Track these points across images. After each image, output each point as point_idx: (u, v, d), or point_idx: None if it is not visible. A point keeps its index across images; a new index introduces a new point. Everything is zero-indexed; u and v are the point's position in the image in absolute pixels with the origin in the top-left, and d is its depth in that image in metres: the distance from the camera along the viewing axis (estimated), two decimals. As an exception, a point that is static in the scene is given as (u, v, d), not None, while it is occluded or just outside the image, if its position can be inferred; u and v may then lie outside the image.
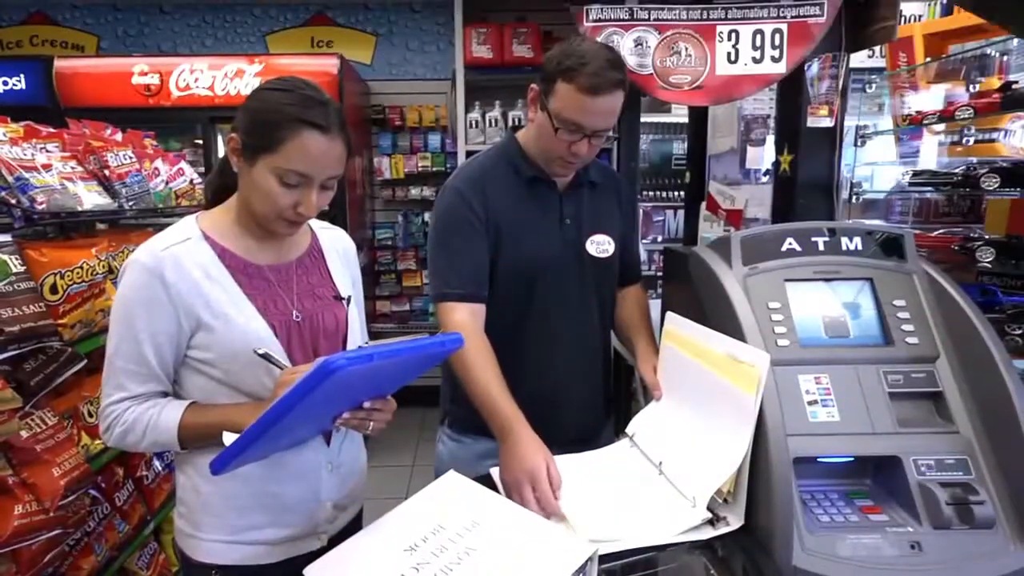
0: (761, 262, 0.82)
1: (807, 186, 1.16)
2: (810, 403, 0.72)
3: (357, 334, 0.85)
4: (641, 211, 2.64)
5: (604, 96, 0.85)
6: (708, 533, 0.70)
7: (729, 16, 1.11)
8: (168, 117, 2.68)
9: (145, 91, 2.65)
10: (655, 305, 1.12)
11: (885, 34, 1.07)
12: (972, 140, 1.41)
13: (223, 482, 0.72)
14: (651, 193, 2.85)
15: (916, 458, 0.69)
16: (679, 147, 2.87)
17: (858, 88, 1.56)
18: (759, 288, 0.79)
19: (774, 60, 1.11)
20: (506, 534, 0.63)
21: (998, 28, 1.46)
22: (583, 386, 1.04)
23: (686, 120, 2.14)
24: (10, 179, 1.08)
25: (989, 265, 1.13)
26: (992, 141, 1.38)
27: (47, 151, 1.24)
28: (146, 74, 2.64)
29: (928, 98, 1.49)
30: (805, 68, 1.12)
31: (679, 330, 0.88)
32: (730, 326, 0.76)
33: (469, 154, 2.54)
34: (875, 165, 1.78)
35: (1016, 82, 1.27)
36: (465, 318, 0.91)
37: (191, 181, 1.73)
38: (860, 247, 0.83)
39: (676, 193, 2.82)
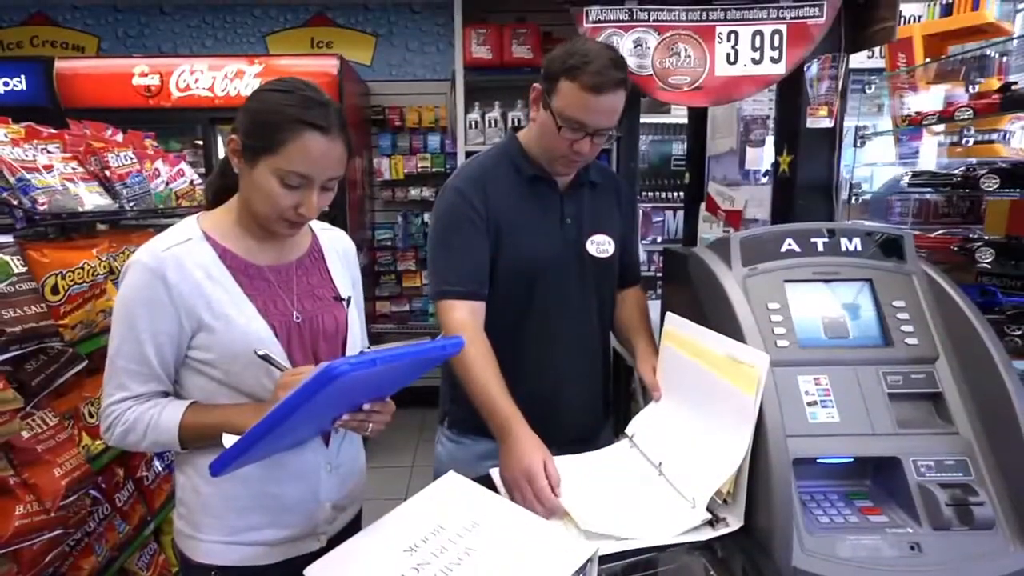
0: (760, 263, 0.82)
1: (806, 187, 1.16)
2: (809, 404, 0.73)
3: (357, 335, 0.85)
4: (641, 212, 2.64)
5: (607, 95, 0.86)
6: (708, 534, 0.71)
7: (728, 17, 1.11)
8: (168, 118, 2.68)
9: (145, 92, 2.65)
10: (655, 306, 1.12)
11: (884, 35, 1.07)
12: (971, 141, 1.41)
13: (223, 483, 0.73)
14: (650, 194, 2.85)
15: (916, 459, 0.69)
16: (678, 148, 2.87)
17: (857, 89, 1.57)
18: (758, 289, 0.79)
19: (773, 61, 1.11)
20: (506, 534, 0.63)
21: (997, 29, 1.46)
22: (582, 386, 1.04)
23: (685, 121, 2.14)
24: (12, 180, 1.08)
25: (988, 266, 1.13)
26: (991, 142, 1.39)
27: (48, 152, 1.25)
28: (146, 75, 2.65)
29: (927, 99, 1.49)
30: (804, 69, 1.12)
31: (679, 331, 0.88)
32: (729, 327, 0.76)
33: (469, 155, 2.54)
34: (874, 166, 1.78)
35: (1015, 83, 1.27)
36: (465, 316, 0.92)
37: (191, 182, 1.73)
38: (859, 248, 0.83)
39: (675, 194, 2.82)
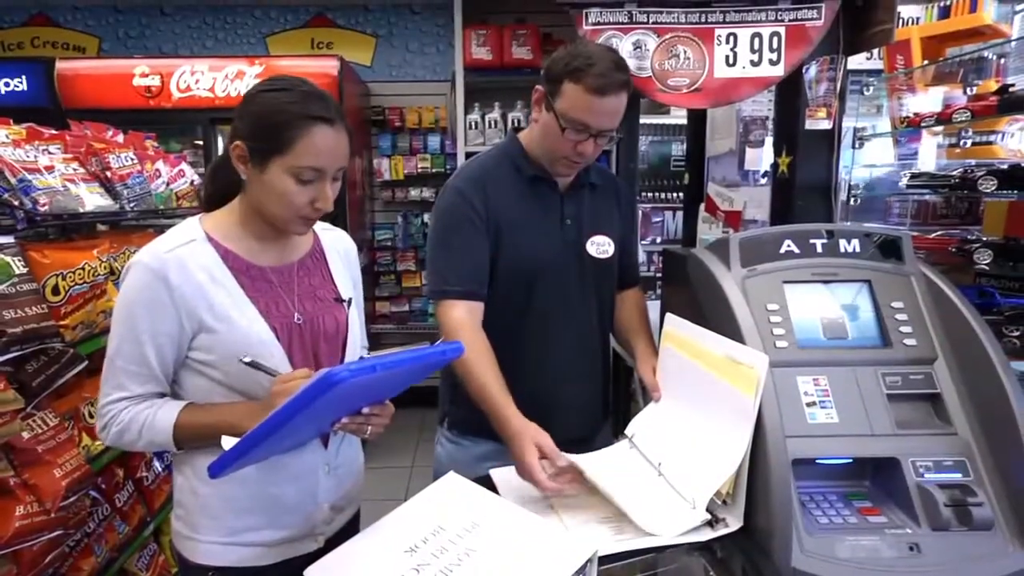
0: (760, 264, 0.82)
1: (805, 188, 1.17)
2: (809, 405, 0.73)
3: (357, 336, 0.85)
4: (640, 212, 2.64)
5: (611, 96, 0.86)
6: (707, 535, 0.71)
7: (727, 19, 1.11)
8: (169, 119, 2.68)
9: (146, 93, 2.66)
10: (654, 306, 1.12)
11: (882, 37, 1.08)
12: (970, 142, 1.42)
13: (221, 484, 0.73)
14: (650, 194, 2.86)
15: (914, 460, 0.69)
16: (678, 148, 2.88)
17: (856, 90, 1.57)
18: (757, 290, 0.80)
19: (772, 63, 1.12)
20: (506, 535, 0.63)
21: (995, 31, 1.46)
22: (582, 387, 1.04)
23: (685, 122, 2.14)
24: (13, 181, 1.08)
25: (987, 267, 1.13)
26: (990, 143, 1.39)
27: (49, 153, 1.25)
28: (147, 76, 2.65)
29: (926, 100, 1.50)
30: (803, 71, 1.13)
31: (678, 331, 0.88)
32: (729, 328, 0.76)
33: (469, 155, 2.54)
34: (873, 167, 1.79)
35: (1013, 85, 1.27)
36: (464, 316, 0.92)
37: (192, 182, 1.73)
38: (858, 249, 0.83)
39: (675, 194, 2.83)
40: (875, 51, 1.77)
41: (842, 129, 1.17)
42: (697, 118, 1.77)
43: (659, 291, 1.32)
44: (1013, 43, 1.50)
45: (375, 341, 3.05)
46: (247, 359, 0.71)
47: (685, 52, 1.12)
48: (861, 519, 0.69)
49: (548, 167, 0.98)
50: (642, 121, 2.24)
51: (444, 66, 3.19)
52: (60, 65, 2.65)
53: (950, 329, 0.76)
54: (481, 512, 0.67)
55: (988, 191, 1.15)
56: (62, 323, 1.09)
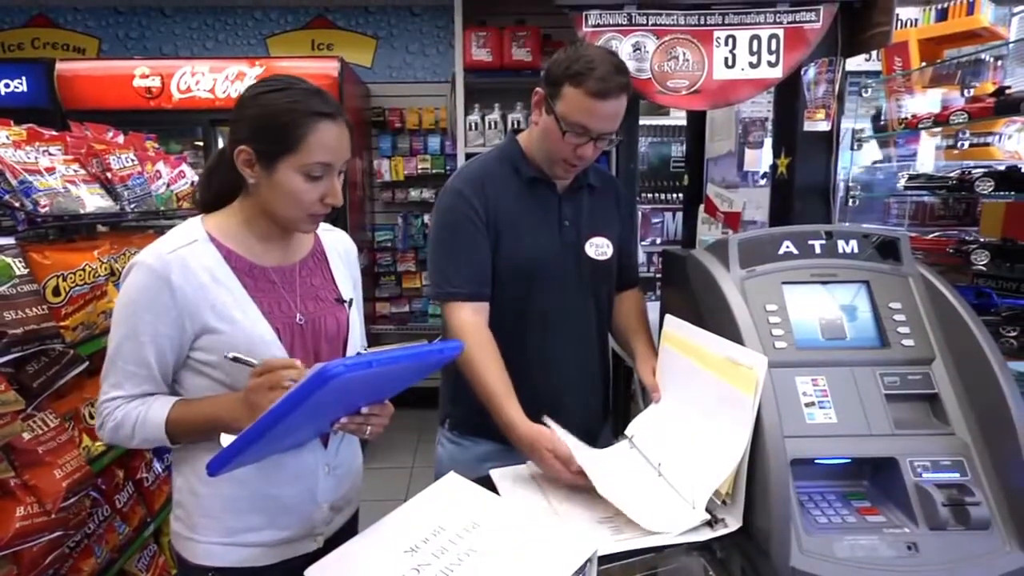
0: (758, 265, 0.82)
1: (804, 189, 1.17)
2: (807, 405, 0.73)
3: (357, 337, 0.86)
4: (640, 213, 2.65)
5: (611, 100, 0.87)
6: (707, 534, 0.71)
7: (726, 21, 1.12)
8: (169, 119, 2.69)
9: (146, 94, 2.66)
10: (654, 307, 1.13)
11: (880, 39, 1.08)
12: (967, 144, 1.43)
13: (220, 485, 0.73)
14: (649, 195, 2.86)
15: (912, 459, 0.70)
16: (677, 150, 2.88)
17: (854, 92, 1.58)
18: (756, 291, 0.80)
19: (771, 65, 1.12)
20: (506, 535, 0.64)
21: (992, 34, 1.47)
22: (582, 388, 1.05)
23: (684, 123, 2.15)
24: (14, 182, 1.08)
25: (984, 268, 1.14)
26: (987, 145, 1.40)
27: (50, 154, 1.25)
28: (147, 77, 2.65)
29: (924, 102, 1.51)
30: (802, 72, 1.13)
31: (677, 333, 0.88)
32: (728, 328, 0.77)
33: (469, 156, 2.55)
34: (876, 168, 1.79)
35: (1010, 87, 1.28)
36: (470, 317, 0.93)
37: (192, 183, 1.73)
38: (856, 250, 0.84)
39: (674, 195, 2.83)
40: (873, 53, 1.78)
41: (840, 130, 1.18)
42: (696, 119, 1.77)
43: (659, 292, 1.32)
44: (1010, 45, 1.51)
45: (375, 342, 3.04)
46: (230, 355, 0.71)
47: (684, 54, 1.13)
48: (859, 519, 0.69)
49: (547, 169, 0.98)
50: (642, 122, 2.24)
51: (444, 67, 3.19)
52: (60, 66, 2.65)
53: (948, 329, 0.76)
54: (481, 512, 0.67)
55: (985, 192, 1.15)
56: (63, 324, 1.09)
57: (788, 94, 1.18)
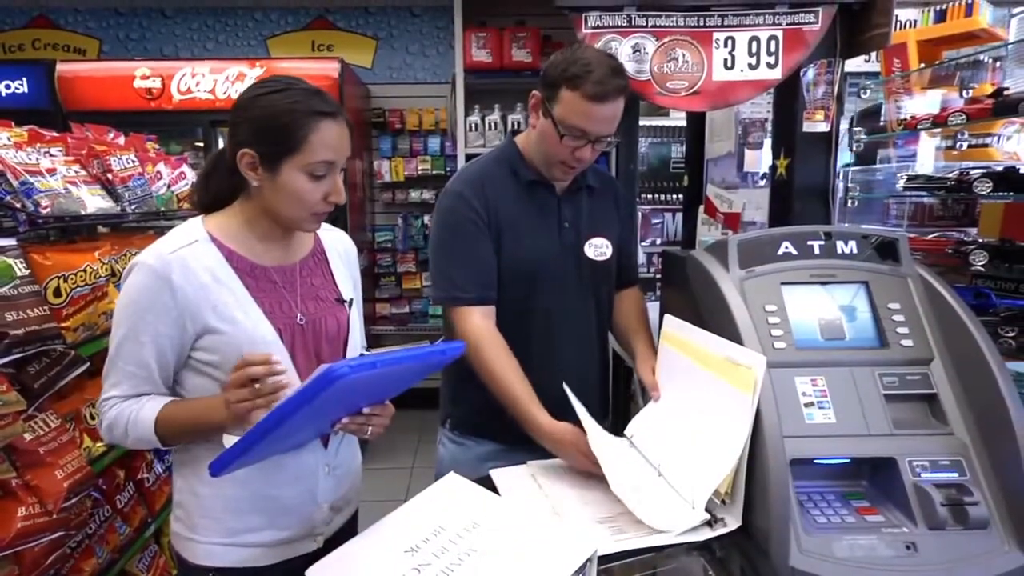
0: (758, 265, 0.83)
1: (803, 190, 1.17)
2: (806, 405, 0.73)
3: (357, 337, 0.86)
4: (640, 214, 2.65)
5: (609, 103, 0.87)
6: (706, 534, 0.71)
7: (725, 23, 1.12)
8: (169, 121, 2.69)
9: (147, 95, 2.66)
10: (654, 308, 1.13)
11: (879, 40, 1.09)
12: (966, 145, 1.43)
13: (221, 485, 0.73)
14: (649, 196, 2.86)
15: (911, 459, 0.70)
16: (677, 150, 2.88)
17: (853, 93, 1.58)
18: (756, 291, 0.80)
19: (770, 66, 1.13)
20: (506, 535, 0.64)
21: (990, 35, 1.48)
22: (582, 388, 1.04)
23: (684, 124, 2.15)
24: (15, 184, 1.08)
25: (983, 268, 1.14)
26: (986, 146, 1.40)
27: (51, 155, 1.25)
28: (148, 78, 2.66)
29: (924, 103, 1.51)
30: (801, 74, 1.14)
31: (677, 332, 0.89)
32: (727, 329, 0.77)
33: (469, 157, 2.55)
34: (875, 168, 1.80)
35: (1008, 88, 1.28)
36: (482, 322, 0.93)
37: (193, 184, 1.74)
38: (855, 251, 0.84)
39: (674, 196, 2.84)
40: (872, 54, 1.79)
41: (840, 131, 1.18)
42: (696, 120, 1.78)
43: (659, 292, 1.33)
44: (1009, 46, 1.52)
45: (375, 343, 3.05)
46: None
47: (684, 55, 1.13)
48: (859, 518, 0.69)
49: (545, 171, 0.98)
50: (641, 123, 2.25)
51: (444, 68, 3.20)
52: (61, 67, 2.65)
53: (946, 330, 0.76)
54: (481, 512, 0.67)
55: (984, 193, 1.16)
56: (64, 325, 1.10)
57: (787, 95, 1.19)
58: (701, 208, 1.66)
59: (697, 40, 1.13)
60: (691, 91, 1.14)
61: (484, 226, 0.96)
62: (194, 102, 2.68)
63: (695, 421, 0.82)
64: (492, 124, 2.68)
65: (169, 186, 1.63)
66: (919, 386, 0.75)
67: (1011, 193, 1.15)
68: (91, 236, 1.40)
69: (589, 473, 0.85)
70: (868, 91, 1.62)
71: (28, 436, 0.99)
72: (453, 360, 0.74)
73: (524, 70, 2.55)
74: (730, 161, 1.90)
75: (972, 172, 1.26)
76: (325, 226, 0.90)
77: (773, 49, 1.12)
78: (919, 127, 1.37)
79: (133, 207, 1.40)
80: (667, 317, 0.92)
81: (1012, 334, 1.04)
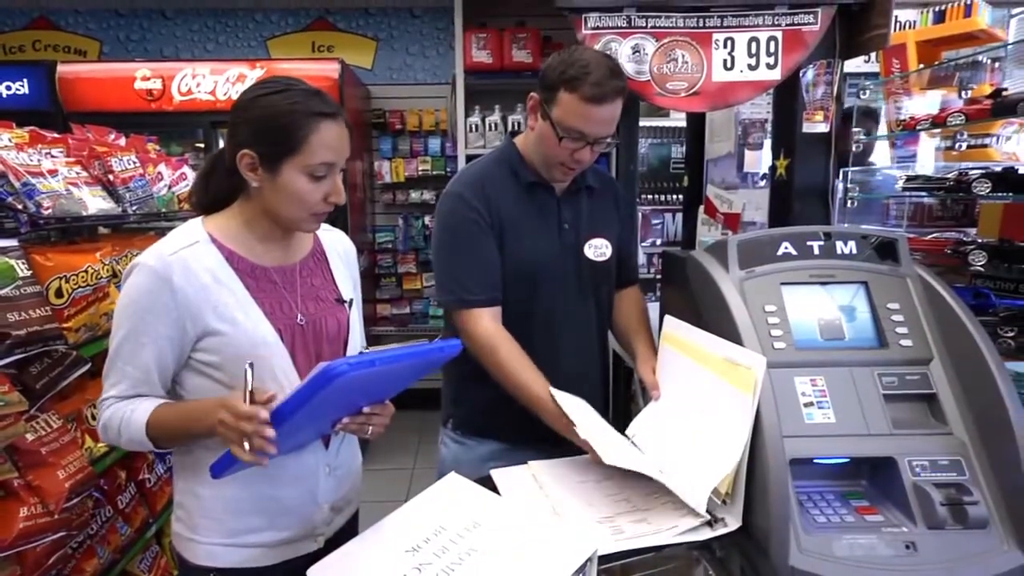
0: (758, 266, 0.83)
1: (803, 190, 1.18)
2: (806, 405, 0.74)
3: (357, 338, 0.86)
4: (640, 214, 2.66)
5: (607, 104, 0.87)
6: (706, 534, 0.71)
7: (725, 24, 1.13)
8: (170, 122, 2.69)
9: (147, 96, 2.67)
10: (654, 308, 1.13)
11: (878, 41, 1.09)
12: (965, 145, 1.43)
13: (221, 486, 0.73)
14: (649, 196, 2.87)
15: (911, 459, 0.70)
16: (677, 151, 2.89)
17: (852, 93, 1.59)
18: (755, 291, 0.81)
19: (769, 67, 1.13)
20: (507, 535, 0.64)
21: (989, 36, 1.48)
22: (582, 388, 1.05)
23: (684, 124, 2.16)
24: (17, 185, 1.09)
25: (982, 268, 1.14)
26: (985, 146, 1.40)
27: (52, 156, 1.25)
28: (148, 79, 2.66)
29: (923, 103, 1.51)
30: (800, 74, 1.14)
31: (677, 333, 0.89)
32: (727, 329, 0.77)
33: (469, 158, 2.55)
34: (875, 168, 1.80)
35: (1007, 89, 1.29)
36: (492, 324, 0.94)
37: (192, 185, 1.74)
38: (855, 251, 0.84)
39: (674, 197, 2.84)
40: (871, 55, 1.79)
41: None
42: (696, 121, 1.78)
43: (659, 293, 1.33)
44: (1008, 47, 1.52)
45: (376, 344, 3.04)
46: (249, 365, 0.68)
47: (683, 56, 1.13)
48: (858, 518, 0.70)
49: (544, 173, 0.99)
50: (641, 124, 2.25)
51: (444, 69, 3.20)
52: (61, 68, 2.65)
53: (946, 330, 0.77)
54: (482, 512, 0.67)
55: (983, 193, 1.16)
56: (65, 326, 1.10)
57: (787, 96, 1.19)
58: (701, 208, 1.66)
59: (697, 41, 1.13)
60: (691, 92, 1.14)
61: (487, 226, 0.96)
62: (195, 103, 2.68)
63: (695, 421, 0.82)
64: (492, 125, 2.68)
65: (170, 187, 1.63)
66: (918, 386, 0.75)
67: (1010, 193, 1.15)
68: (92, 237, 1.40)
69: (589, 473, 0.85)
70: (867, 92, 1.63)
71: (30, 436, 1.00)
72: (451, 358, 0.75)
73: (524, 71, 2.56)
74: (730, 161, 1.90)
75: (971, 172, 1.27)
76: (325, 226, 0.90)
77: (772, 50, 1.13)
78: (918, 128, 1.38)
79: (134, 208, 1.40)
80: (667, 317, 0.92)
81: (1011, 334, 1.04)
